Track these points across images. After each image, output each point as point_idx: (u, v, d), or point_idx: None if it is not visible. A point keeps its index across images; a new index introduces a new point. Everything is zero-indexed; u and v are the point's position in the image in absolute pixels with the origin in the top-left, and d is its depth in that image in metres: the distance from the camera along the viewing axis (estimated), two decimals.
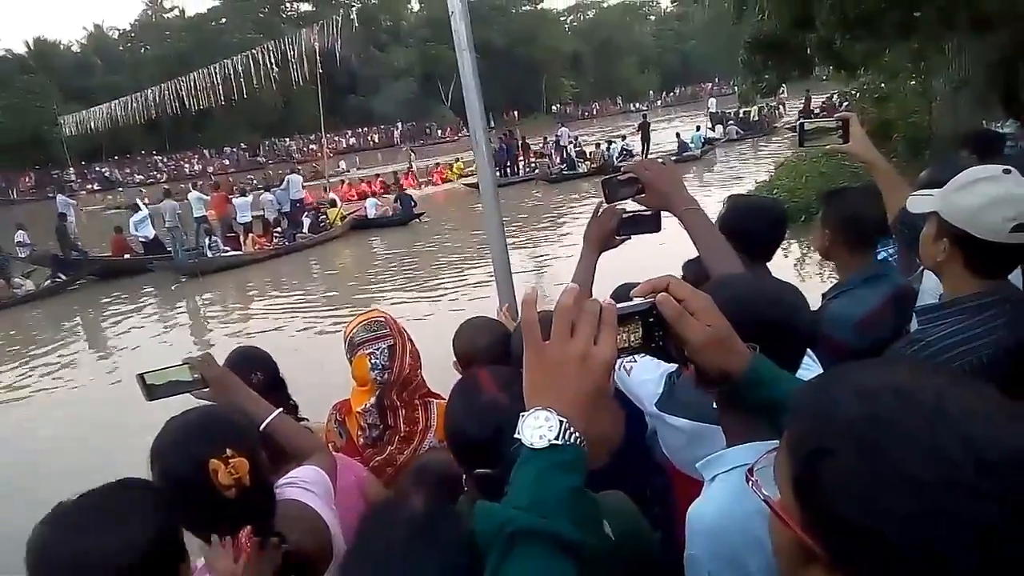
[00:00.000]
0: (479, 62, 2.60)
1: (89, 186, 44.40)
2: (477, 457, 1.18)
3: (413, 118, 59.88)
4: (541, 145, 26.24)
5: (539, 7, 70.60)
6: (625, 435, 1.70)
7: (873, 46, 10.03)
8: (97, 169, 49.73)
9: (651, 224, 1.64)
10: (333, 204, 18.07)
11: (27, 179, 47.63)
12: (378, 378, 1.99)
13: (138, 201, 17.63)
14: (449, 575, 0.95)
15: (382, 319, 2.06)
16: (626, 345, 0.85)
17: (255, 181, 26.77)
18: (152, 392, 1.57)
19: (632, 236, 1.68)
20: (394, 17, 68.63)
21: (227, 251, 15.18)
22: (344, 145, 55.32)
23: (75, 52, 59.19)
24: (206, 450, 1.22)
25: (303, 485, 1.46)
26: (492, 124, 28.22)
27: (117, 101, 33.44)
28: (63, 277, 14.33)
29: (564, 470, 0.74)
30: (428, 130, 59.35)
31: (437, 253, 14.38)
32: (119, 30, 62.31)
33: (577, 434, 0.75)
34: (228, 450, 1.23)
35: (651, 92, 71.49)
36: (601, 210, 1.69)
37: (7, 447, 6.93)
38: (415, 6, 71.91)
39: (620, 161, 22.28)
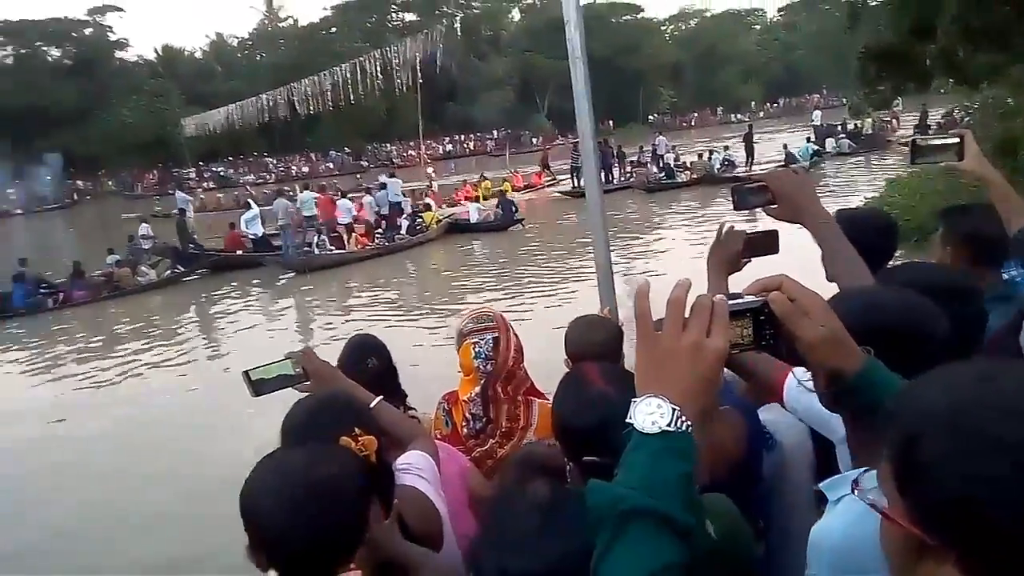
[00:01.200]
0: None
1: (205, 184, 47.37)
2: (585, 447, 1.22)
3: (509, 126, 60.55)
4: (637, 154, 25.98)
5: (640, 16, 69.97)
6: (746, 451, 1.68)
7: (998, 58, 9.40)
8: (213, 168, 52.99)
9: (772, 245, 1.61)
10: (428, 208, 18.54)
11: (151, 176, 51.34)
12: (481, 367, 2.05)
13: (250, 201, 18.64)
14: (579, 560, 1.00)
15: (490, 314, 2.14)
16: (738, 341, 0.87)
17: (362, 182, 27.73)
18: (257, 388, 1.59)
19: (752, 259, 1.64)
20: (495, 27, 69.71)
21: (332, 249, 15.91)
22: (441, 152, 56.63)
23: (198, 59, 63.37)
24: (336, 428, 1.26)
25: (416, 472, 1.50)
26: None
27: (234, 105, 35.59)
28: (181, 268, 15.40)
29: (675, 456, 0.76)
30: (521, 138, 59.88)
31: (534, 257, 14.55)
32: (238, 38, 66.30)
33: (689, 422, 0.77)
34: (356, 429, 1.27)
35: (753, 103, 69.40)
36: (724, 232, 1.67)
37: (123, 421, 7.55)
38: (516, 16, 72.82)
39: (722, 172, 21.76)
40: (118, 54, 59.28)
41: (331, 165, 53.47)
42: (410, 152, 54.01)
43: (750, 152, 23.98)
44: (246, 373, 1.59)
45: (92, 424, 7.58)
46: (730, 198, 1.55)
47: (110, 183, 51.12)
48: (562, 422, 1.30)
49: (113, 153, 51.26)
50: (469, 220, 18.14)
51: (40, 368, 10.27)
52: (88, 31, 57.50)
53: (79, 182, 50.84)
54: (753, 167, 22.75)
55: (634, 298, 0.83)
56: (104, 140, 51.17)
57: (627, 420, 0.79)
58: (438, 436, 2.05)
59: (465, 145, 59.77)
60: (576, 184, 23.16)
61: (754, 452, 1.67)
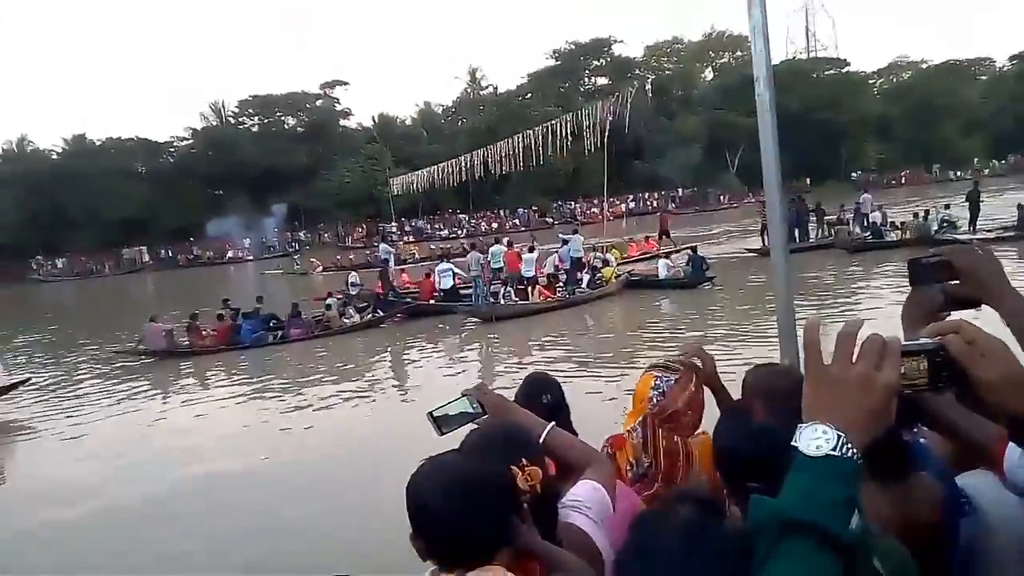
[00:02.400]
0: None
1: (406, 237, 51.48)
2: (745, 476, 1.24)
3: (696, 184, 59.67)
4: (838, 212, 24.39)
5: (845, 71, 66.39)
6: (940, 518, 1.55)
7: None
8: (413, 223, 57.61)
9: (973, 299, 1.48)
10: (607, 264, 18.71)
11: (360, 229, 56.92)
12: (653, 397, 2.05)
13: (444, 257, 19.88)
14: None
15: (685, 364, 2.13)
16: (911, 381, 0.87)
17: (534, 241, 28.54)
18: (441, 426, 1.65)
19: (952, 312, 1.48)
20: (686, 86, 69.65)
21: (516, 301, 16.59)
22: (624, 209, 56.98)
23: (407, 124, 69.81)
24: (504, 458, 1.34)
25: (584, 510, 1.51)
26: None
27: (435, 166, 38.64)
28: (381, 313, 16.80)
29: (839, 480, 0.76)
30: (706, 196, 58.76)
31: (717, 316, 14.09)
32: (442, 106, 72.24)
33: (855, 450, 0.78)
34: (523, 459, 1.34)
35: (976, 159, 62.45)
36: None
37: (319, 447, 8.30)
38: (708, 75, 72.27)
39: (941, 233, 19.73)
40: (342, 122, 67.14)
41: (517, 222, 55.85)
42: (593, 209, 55.00)
43: (975, 212, 21.40)
44: (430, 414, 1.65)
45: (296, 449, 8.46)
46: (907, 271, 1.42)
47: (326, 235, 57.37)
48: (723, 451, 1.32)
49: (332, 208, 57.65)
50: (658, 276, 17.93)
51: (256, 394, 11.64)
52: (319, 102, 65.77)
53: (301, 234, 57.65)
54: (978, 229, 20.39)
55: (804, 331, 0.86)
56: (325, 197, 57.77)
57: (792, 443, 0.81)
58: None
59: (648, 203, 59.69)
60: (765, 243, 22.20)
61: (950, 519, 1.54)
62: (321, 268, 32.55)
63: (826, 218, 23.82)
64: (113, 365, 14.79)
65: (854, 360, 0.83)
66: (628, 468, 2.10)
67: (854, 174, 59.97)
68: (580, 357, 11.72)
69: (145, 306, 22.97)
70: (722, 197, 56.67)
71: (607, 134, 22.87)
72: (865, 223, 22.09)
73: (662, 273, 17.88)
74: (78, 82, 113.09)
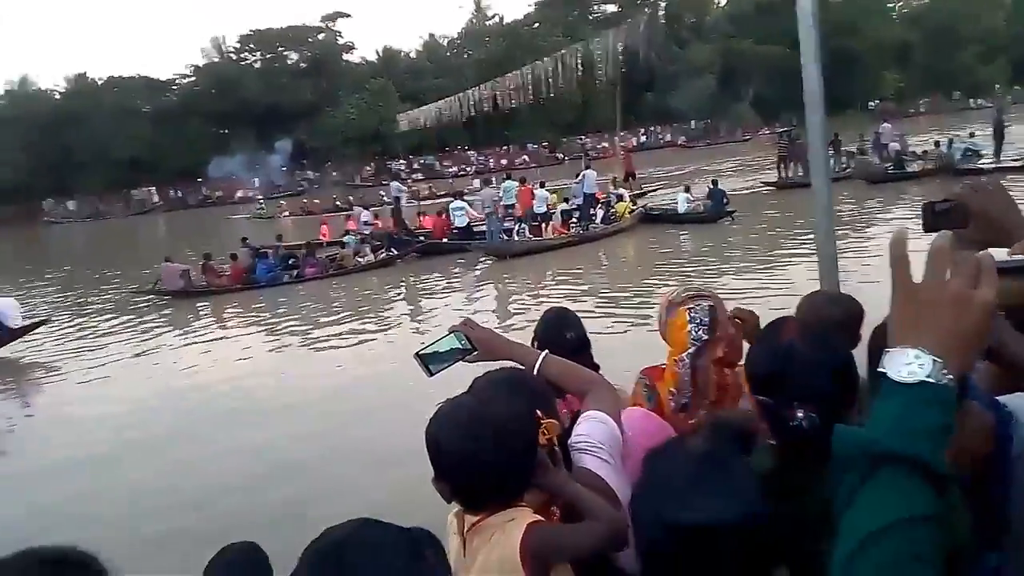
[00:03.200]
0: (788, 56, 2.48)
1: (415, 175, 51.03)
2: (763, 394, 1.23)
3: (709, 116, 58.42)
4: (857, 143, 23.84)
5: None
6: (993, 448, 1.54)
7: None
8: (422, 161, 56.98)
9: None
10: (620, 199, 18.48)
11: (369, 167, 56.39)
12: (693, 332, 1.94)
13: (466, 192, 19.56)
14: (737, 509, 0.98)
15: (704, 289, 2.07)
16: (1009, 302, 0.81)
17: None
18: (429, 365, 1.58)
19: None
20: (698, 13, 67.40)
21: (530, 238, 16.50)
22: (635, 143, 56.08)
23: (412, 58, 68.17)
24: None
25: (595, 451, 1.42)
26: (794, 122, 26.32)
27: (442, 101, 37.90)
28: (395, 252, 16.78)
29: (935, 407, 0.71)
30: (717, 129, 57.69)
31: (735, 249, 13.99)
32: (448, 38, 70.39)
33: (951, 376, 0.72)
34: (538, 412, 1.29)
35: (997, 86, 60.63)
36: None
37: (327, 381, 8.41)
38: (722, 1, 69.76)
39: (963, 163, 19.27)
40: (345, 56, 65.68)
41: (527, 158, 55.15)
42: (603, 144, 54.16)
43: (999, 140, 20.74)
44: (417, 354, 1.58)
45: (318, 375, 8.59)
46: (921, 217, 1.32)
47: (334, 174, 56.89)
48: (748, 367, 1.32)
49: (338, 145, 56.94)
50: (677, 211, 17.70)
51: (272, 330, 11.76)
52: (321, 36, 64.20)
53: (309, 172, 57.18)
54: (1003, 159, 19.91)
55: (890, 245, 0.78)
56: (331, 134, 56.97)
57: (879, 369, 0.75)
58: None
59: (660, 136, 58.69)
60: (784, 175, 21.84)
61: (1002, 450, 1.52)
62: (288, 213, 32.77)
63: (843, 149, 23.32)
64: (131, 305, 14.92)
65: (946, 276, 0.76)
66: (669, 398, 2.06)
67: (872, 104, 58.45)
68: (596, 293, 11.72)
69: (158, 246, 23.05)
70: (738, 131, 55.54)
71: (620, 65, 22.17)
72: (885, 153, 21.64)
73: (681, 207, 17.61)
74: (75, 20, 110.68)
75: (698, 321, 1.94)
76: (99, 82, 59.09)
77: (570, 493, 1.28)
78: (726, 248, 14.34)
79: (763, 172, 24.60)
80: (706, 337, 1.94)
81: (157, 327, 12.96)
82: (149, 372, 10.18)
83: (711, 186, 17.89)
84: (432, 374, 1.57)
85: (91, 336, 12.78)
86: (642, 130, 58.76)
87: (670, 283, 11.12)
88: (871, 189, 18.87)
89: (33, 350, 12.07)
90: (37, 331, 12.57)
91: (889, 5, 68.61)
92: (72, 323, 14.00)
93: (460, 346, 1.59)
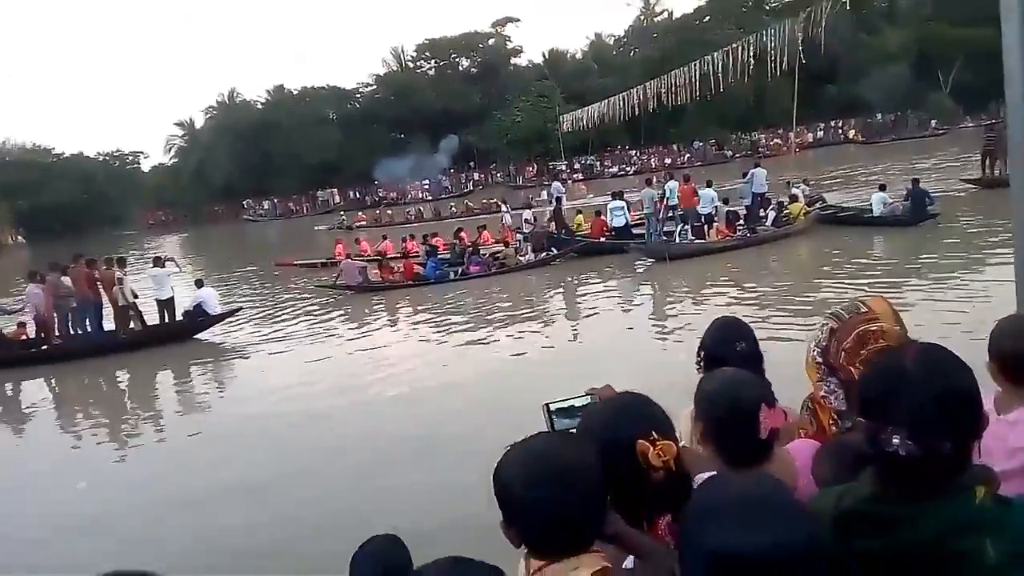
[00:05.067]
0: (996, 38, 2.16)
1: (575, 176, 51.28)
2: (867, 414, 1.13)
3: (900, 108, 53.30)
4: None
5: None
6: None
7: None
8: (582, 161, 57.15)
9: None
10: (795, 199, 17.31)
11: (531, 168, 57.49)
12: (817, 358, 1.83)
13: (625, 192, 19.30)
14: (791, 548, 0.90)
15: (857, 304, 1.84)
16: None
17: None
18: (553, 422, 1.56)
19: None
20: None
21: (692, 240, 15.96)
22: (811, 139, 52.50)
23: (577, 59, 68.51)
24: (636, 429, 1.29)
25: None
26: (1003, 112, 23.20)
27: (605, 101, 37.69)
28: (555, 251, 16.96)
29: None
30: (906, 122, 52.39)
31: (927, 258, 12.66)
32: (614, 36, 69.95)
33: None
34: (654, 433, 1.28)
35: None
36: None
37: (490, 377, 8.61)
38: None
39: None
40: (513, 60, 67.47)
41: (689, 156, 53.51)
42: (775, 141, 51.22)
43: None
44: (546, 406, 1.58)
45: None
46: None
47: (498, 175, 58.65)
48: (857, 388, 1.22)
49: (503, 148, 58.71)
50: (872, 213, 16.14)
51: (440, 326, 12.33)
52: (491, 42, 66.42)
53: (475, 174, 59.47)
54: None
55: None
56: (498, 136, 58.88)
57: None
58: (802, 435, 1.91)
59: (842, 131, 54.43)
60: (989, 172, 19.42)
61: None
62: (365, 222, 35.15)
63: None
64: (315, 297, 16.31)
65: None
66: (831, 423, 1.91)
67: None
68: (762, 301, 11.09)
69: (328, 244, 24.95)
70: (931, 124, 50.22)
71: (799, 56, 20.77)
72: None
73: (876, 208, 15.96)
74: (276, 36, 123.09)
75: (817, 345, 1.83)
76: (294, 92, 65.32)
77: (633, 541, 1.25)
78: (917, 256, 12.95)
79: (965, 170, 22.02)
80: (820, 361, 1.83)
81: (335, 317, 14.08)
82: (327, 353, 11.17)
83: (911, 186, 15.94)
84: (554, 429, 1.54)
85: (279, 323, 14.15)
86: (820, 125, 54.86)
87: (847, 294, 10.31)
88: None
89: (231, 334, 13.59)
90: (234, 318, 14.13)
91: None
92: (262, 312, 15.56)
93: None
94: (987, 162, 19.60)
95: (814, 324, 1.93)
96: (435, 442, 6.83)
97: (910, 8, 57.90)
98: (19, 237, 59.36)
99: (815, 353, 1.84)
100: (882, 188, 16.66)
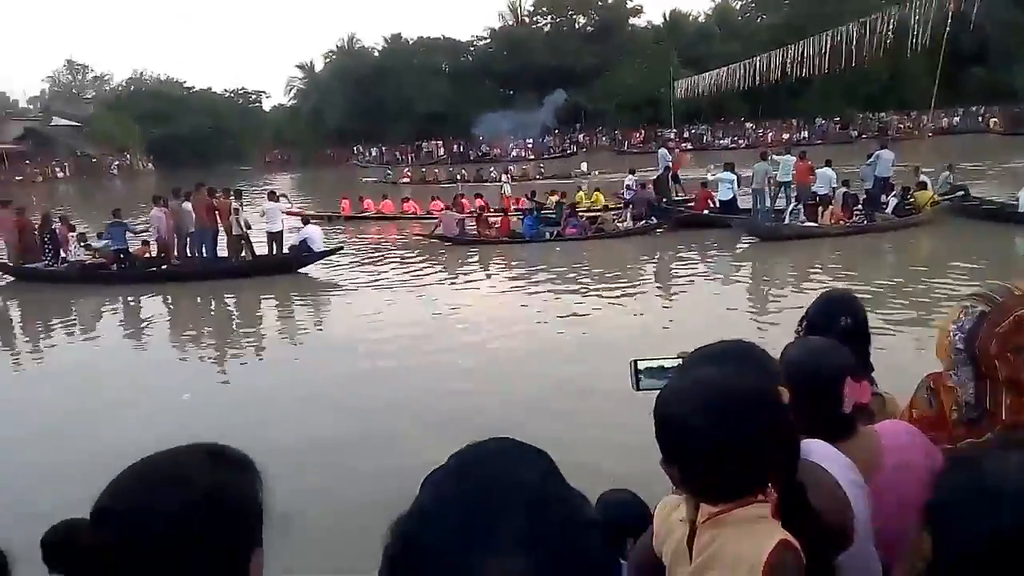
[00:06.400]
0: None
1: (684, 145, 49.69)
2: None
3: None
4: None
5: None
6: None
7: None
8: (693, 130, 55.19)
9: None
10: (924, 187, 16.05)
11: (638, 134, 56.07)
12: (954, 345, 1.64)
13: (729, 167, 18.41)
14: None
15: (1006, 288, 1.63)
16: None
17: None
18: (640, 380, 1.51)
19: None
20: None
21: (804, 221, 15.17)
22: (946, 125, 48.47)
23: (700, 22, 65.64)
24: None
25: (822, 452, 1.33)
26: None
27: (724, 69, 36.07)
28: (655, 220, 16.55)
29: None
30: None
31: None
32: (743, 1, 66.32)
33: None
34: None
35: None
36: None
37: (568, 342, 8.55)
38: None
39: None
40: (631, 20, 65.41)
41: (806, 134, 50.62)
42: (907, 124, 47.67)
43: None
44: (634, 362, 1.52)
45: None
46: None
47: (604, 139, 57.59)
48: None
49: (612, 111, 57.49)
50: (1016, 207, 14.59)
51: (527, 285, 12.35)
52: (610, 0, 64.52)
53: (580, 136, 58.63)
54: None
55: None
56: (608, 99, 57.68)
57: None
58: (915, 416, 1.78)
59: (982, 119, 49.93)
60: None
61: None
62: (409, 179, 35.60)
63: None
64: (414, 248, 16.68)
65: None
66: (954, 408, 1.75)
67: None
68: (872, 291, 10.43)
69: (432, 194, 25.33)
70: None
71: (947, 31, 19.07)
72: None
73: (1023, 204, 14.45)
74: None
75: (962, 333, 1.62)
76: (410, 42, 66.13)
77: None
78: None
79: None
80: (961, 347, 1.62)
81: (431, 267, 14.38)
82: (415, 301, 11.47)
83: None
84: (639, 389, 1.50)
85: (378, 265, 14.60)
86: (960, 110, 50.48)
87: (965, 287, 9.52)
88: None
89: (333, 271, 14.14)
90: (335, 256, 14.68)
91: None
92: (360, 256, 16.08)
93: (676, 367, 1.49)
94: None
95: (928, 315, 1.77)
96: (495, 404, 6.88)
97: None
98: (149, 164, 63.63)
99: (956, 338, 1.66)
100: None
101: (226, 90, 73.34)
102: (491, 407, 6.58)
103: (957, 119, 50.51)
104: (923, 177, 16.68)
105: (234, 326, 11.33)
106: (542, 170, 35.20)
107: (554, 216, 17.49)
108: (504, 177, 29.44)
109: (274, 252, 14.77)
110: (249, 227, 14.52)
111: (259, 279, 13.57)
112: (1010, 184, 18.43)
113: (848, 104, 51.55)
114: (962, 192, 16.84)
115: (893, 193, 16.01)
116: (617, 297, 11.08)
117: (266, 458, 1.03)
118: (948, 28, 22.11)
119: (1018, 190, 15.09)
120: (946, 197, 16.32)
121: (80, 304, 12.72)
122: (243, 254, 14.45)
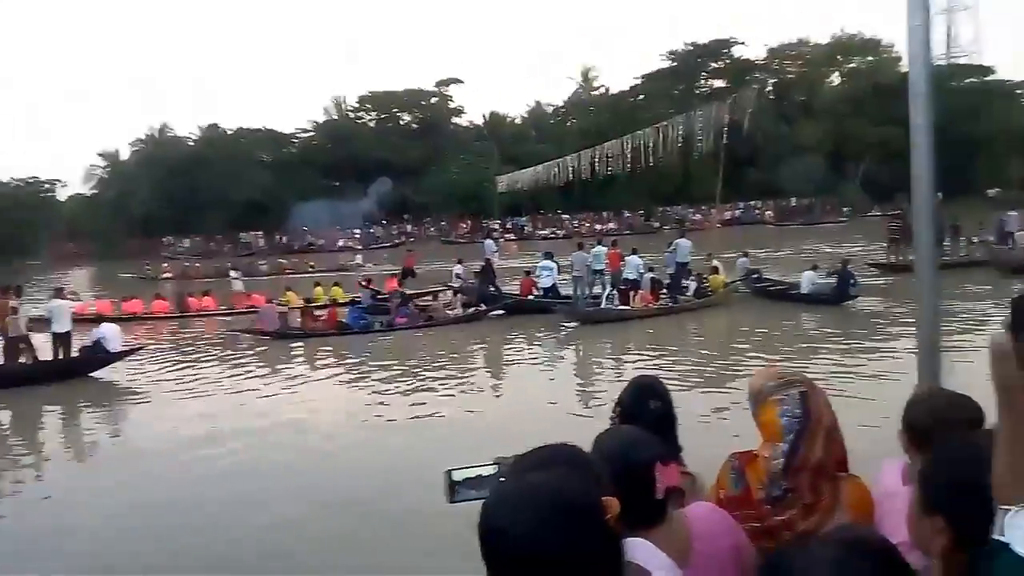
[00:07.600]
0: (905, 137, 2.46)
1: (507, 235, 51.89)
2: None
3: (815, 194, 56.89)
4: (980, 232, 22.55)
5: (988, 78, 61.23)
6: None
7: None
8: (515, 222, 58.05)
9: None
10: (716, 271, 17.96)
11: (465, 225, 57.92)
12: (787, 425, 1.79)
13: (548, 256, 19.42)
14: None
15: (791, 373, 1.89)
16: None
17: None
18: (454, 492, 1.42)
19: None
20: (810, 91, 66.38)
21: (618, 304, 16.22)
22: (730, 217, 55.08)
23: (517, 124, 70.33)
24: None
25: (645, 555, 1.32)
26: (907, 204, 24.93)
27: (541, 166, 38.66)
28: (483, 307, 16.89)
29: None
30: (816, 208, 56.12)
31: (849, 334, 13.09)
32: (553, 106, 72.21)
33: None
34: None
35: None
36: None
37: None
38: (835, 81, 68.49)
39: None
40: (454, 120, 68.61)
41: (614, 225, 55.27)
42: (697, 216, 53.54)
43: None
44: (448, 472, 1.43)
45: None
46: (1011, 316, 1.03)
47: (431, 229, 58.75)
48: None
49: (439, 203, 59.03)
50: (800, 291, 16.57)
51: (353, 376, 11.91)
52: (434, 100, 67.43)
53: (408, 226, 59.39)
54: None
55: (992, 357, 0.61)
56: (434, 192, 59.22)
57: (995, 537, 0.58)
58: (722, 496, 1.85)
59: (758, 212, 57.49)
60: (896, 257, 20.69)
61: None
62: (170, 275, 34.73)
63: (966, 236, 22.05)
64: (229, 344, 15.56)
65: None
66: (760, 488, 1.86)
67: (990, 191, 55.09)
68: (681, 369, 11.26)
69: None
70: (838, 211, 53.76)
71: (723, 138, 21.96)
72: (1010, 243, 20.18)
73: (806, 286, 16.47)
74: (212, 75, 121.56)
75: (790, 414, 1.79)
76: (228, 132, 64.09)
77: None
78: (832, 331, 13.46)
79: (867, 255, 23.44)
80: (799, 428, 1.79)
81: (249, 364, 13.44)
82: (232, 400, 10.58)
83: (840, 266, 16.58)
84: (454, 500, 1.40)
85: (186, 367, 13.40)
86: (740, 204, 57.74)
87: (759, 363, 10.57)
88: (1011, 278, 16.97)
89: (133, 375, 12.76)
90: (135, 356, 13.34)
91: (1018, 92, 65.28)
92: (170, 355, 14.73)
93: (492, 476, 1.41)
94: (892, 247, 20.94)
95: (725, 389, 1.90)
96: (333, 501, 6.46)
97: (827, 104, 62.40)
98: None
99: (792, 422, 1.80)
100: (814, 267, 17.36)
101: (13, 179, 65.91)
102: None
103: (739, 212, 57.57)
104: (715, 262, 18.64)
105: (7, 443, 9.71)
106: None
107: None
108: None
109: (60, 356, 13.07)
110: (30, 329, 12.81)
111: (40, 387, 11.89)
112: (783, 267, 21.11)
113: (651, 199, 57.14)
114: (756, 275, 19.01)
115: (692, 277, 17.66)
116: (448, 391, 10.80)
117: None
118: (726, 136, 25.44)
119: (794, 273, 17.37)
120: (742, 280, 18.31)
121: None
122: (22, 359, 12.65)
